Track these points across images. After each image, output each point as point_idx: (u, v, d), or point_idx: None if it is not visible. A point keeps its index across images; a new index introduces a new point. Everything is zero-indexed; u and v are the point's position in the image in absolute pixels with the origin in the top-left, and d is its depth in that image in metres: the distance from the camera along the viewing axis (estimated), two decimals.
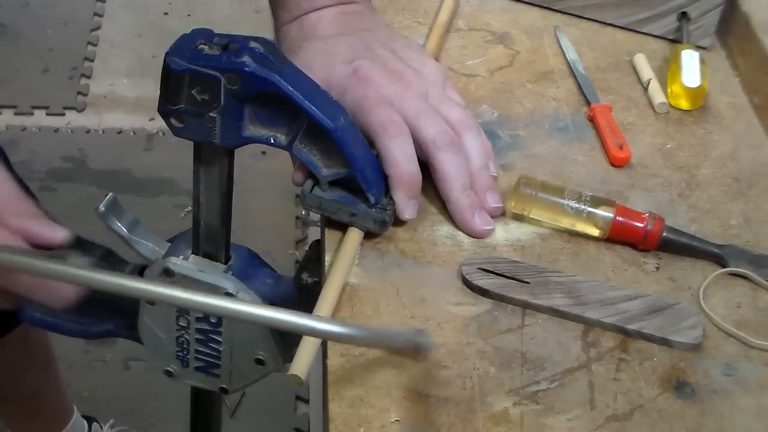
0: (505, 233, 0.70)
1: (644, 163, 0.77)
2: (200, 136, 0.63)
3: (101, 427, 1.57)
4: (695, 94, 0.82)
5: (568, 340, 0.63)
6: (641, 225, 0.68)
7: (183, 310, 0.71)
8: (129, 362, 1.76)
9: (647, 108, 0.83)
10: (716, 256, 0.69)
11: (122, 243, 0.70)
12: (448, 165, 0.68)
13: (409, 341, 0.60)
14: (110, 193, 0.69)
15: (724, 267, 0.68)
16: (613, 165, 0.76)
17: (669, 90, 0.83)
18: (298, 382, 0.57)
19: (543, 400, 0.59)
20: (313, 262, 0.72)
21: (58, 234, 0.55)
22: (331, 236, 0.68)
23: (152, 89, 2.28)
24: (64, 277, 0.52)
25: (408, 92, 0.70)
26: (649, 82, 0.84)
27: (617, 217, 0.69)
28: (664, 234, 0.68)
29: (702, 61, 0.83)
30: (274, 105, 0.62)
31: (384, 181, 0.67)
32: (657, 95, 0.83)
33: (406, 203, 0.67)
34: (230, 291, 0.68)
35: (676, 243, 0.69)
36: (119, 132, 2.26)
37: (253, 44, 0.60)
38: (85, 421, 1.54)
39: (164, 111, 0.63)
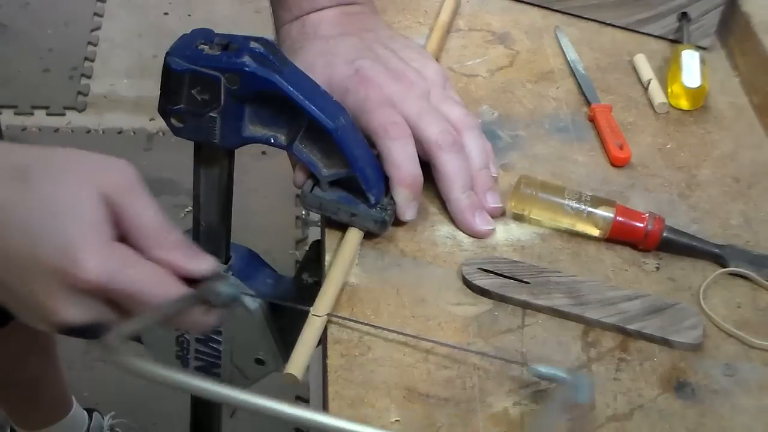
0: (505, 233, 0.70)
1: (644, 163, 0.77)
2: (200, 136, 0.63)
3: (102, 417, 1.58)
4: (695, 94, 0.82)
5: (568, 340, 0.63)
6: (641, 225, 0.68)
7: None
8: None
9: (647, 108, 0.83)
10: (716, 256, 0.69)
11: None
12: (450, 165, 0.68)
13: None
14: None
15: (724, 267, 0.68)
16: (614, 165, 0.76)
17: (669, 90, 0.83)
18: (294, 381, 0.57)
19: (543, 400, 0.59)
20: (313, 262, 0.72)
21: (204, 265, 0.53)
22: (331, 236, 0.68)
23: (152, 89, 2.27)
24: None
25: (410, 92, 0.70)
26: (649, 82, 0.84)
27: (617, 217, 0.68)
28: (665, 234, 0.68)
29: (702, 61, 0.83)
30: (274, 105, 0.62)
31: (384, 181, 0.67)
32: (657, 95, 0.83)
33: (407, 204, 0.67)
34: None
35: (677, 243, 0.69)
36: (119, 132, 2.26)
37: (253, 44, 0.60)
38: (85, 412, 1.54)
39: (164, 111, 0.63)
